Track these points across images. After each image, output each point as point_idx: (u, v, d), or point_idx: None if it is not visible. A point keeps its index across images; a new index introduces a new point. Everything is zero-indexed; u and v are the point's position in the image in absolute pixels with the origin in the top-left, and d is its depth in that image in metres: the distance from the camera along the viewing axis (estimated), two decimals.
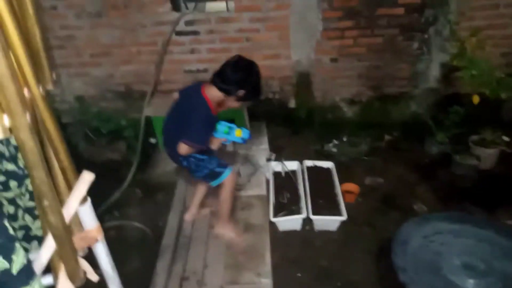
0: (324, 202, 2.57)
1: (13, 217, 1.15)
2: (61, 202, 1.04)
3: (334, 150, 3.22)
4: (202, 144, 2.06)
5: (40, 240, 1.22)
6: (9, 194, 1.11)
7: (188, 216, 2.53)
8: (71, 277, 1.03)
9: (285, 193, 2.67)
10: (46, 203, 0.88)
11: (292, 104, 3.46)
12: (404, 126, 3.37)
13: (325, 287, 2.17)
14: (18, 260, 0.82)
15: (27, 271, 0.84)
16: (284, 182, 2.79)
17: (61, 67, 3.19)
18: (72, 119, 3.33)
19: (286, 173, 2.84)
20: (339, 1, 3.00)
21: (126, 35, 3.09)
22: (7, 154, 1.09)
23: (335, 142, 3.28)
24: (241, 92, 1.98)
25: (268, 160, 3.00)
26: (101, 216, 2.59)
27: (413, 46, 3.21)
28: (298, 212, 2.49)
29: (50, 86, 1.01)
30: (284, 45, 3.18)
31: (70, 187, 1.07)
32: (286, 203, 2.59)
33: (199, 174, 2.20)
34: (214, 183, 2.21)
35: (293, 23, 3.08)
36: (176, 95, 2.18)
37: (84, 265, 1.09)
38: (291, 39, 3.15)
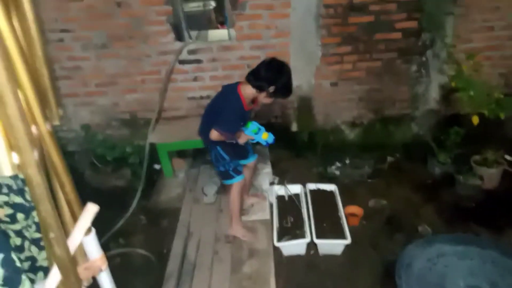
0: (328, 226, 2.57)
1: (19, 249, 1.18)
2: (66, 233, 1.07)
3: (337, 172, 3.24)
4: (231, 132, 2.30)
5: (46, 270, 1.24)
6: (17, 226, 1.14)
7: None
8: None
9: (288, 217, 2.68)
10: (52, 235, 0.91)
11: (294, 127, 3.51)
12: (406, 147, 3.39)
13: None
14: None
15: None
16: (288, 206, 2.80)
17: (67, 97, 3.28)
18: (78, 147, 3.39)
19: (290, 196, 2.86)
20: (337, 27, 3.09)
21: (131, 64, 3.19)
22: (14, 187, 1.13)
23: (338, 164, 3.30)
24: (272, 88, 2.20)
25: (272, 183, 3.02)
26: (106, 243, 2.61)
27: (411, 69, 3.27)
28: (302, 236, 2.48)
29: (57, 122, 1.05)
30: None
31: (75, 218, 1.10)
32: (290, 227, 2.60)
33: (216, 169, 2.52)
34: (224, 182, 2.54)
35: (293, 50, 3.17)
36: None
37: None
38: (292, 65, 3.17)
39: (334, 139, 3.51)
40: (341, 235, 2.47)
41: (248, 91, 2.25)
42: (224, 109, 2.27)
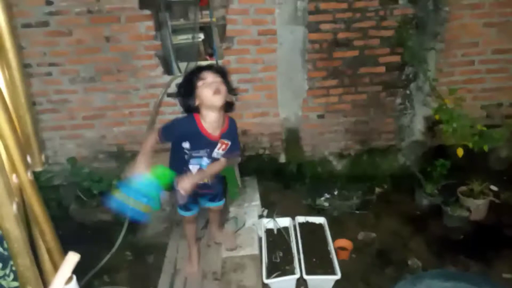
0: (318, 260, 2.54)
1: None
2: (47, 281, 1.04)
3: (326, 204, 3.23)
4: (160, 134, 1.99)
5: None
6: None
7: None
8: None
9: (277, 251, 2.64)
10: None
11: (282, 159, 3.52)
12: (393, 178, 3.41)
13: None
14: None
15: None
16: (277, 239, 2.76)
17: (54, 130, 3.25)
18: (64, 181, 3.33)
19: (278, 230, 2.83)
20: (323, 62, 3.16)
21: (119, 97, 3.20)
22: None
23: (327, 196, 3.29)
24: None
25: (260, 216, 2.99)
26: (91, 281, 2.52)
27: (396, 102, 3.34)
28: (291, 272, 2.44)
29: (39, 168, 1.04)
30: (272, 104, 3.29)
31: (55, 267, 1.07)
32: (279, 262, 2.55)
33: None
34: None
35: (280, 83, 3.22)
36: None
37: None
38: (279, 98, 3.27)
39: (322, 170, 3.52)
40: (331, 270, 2.44)
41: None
42: None
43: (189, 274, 2.47)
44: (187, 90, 1.92)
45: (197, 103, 1.93)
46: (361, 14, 3.06)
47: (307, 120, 3.37)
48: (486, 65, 3.28)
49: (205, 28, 3.24)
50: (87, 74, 3.08)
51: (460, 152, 2.79)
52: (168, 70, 3.20)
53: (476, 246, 2.69)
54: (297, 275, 2.40)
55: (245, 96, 3.25)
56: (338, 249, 2.66)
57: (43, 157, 1.03)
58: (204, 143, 2.00)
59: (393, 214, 3.08)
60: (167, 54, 3.22)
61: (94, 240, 2.84)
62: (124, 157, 3.37)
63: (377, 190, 3.36)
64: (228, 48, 3.12)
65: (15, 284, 1.16)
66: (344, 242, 2.75)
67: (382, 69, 3.22)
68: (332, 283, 2.43)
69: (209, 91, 1.87)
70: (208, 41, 4.98)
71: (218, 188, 2.41)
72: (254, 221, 2.94)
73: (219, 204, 2.48)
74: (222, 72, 1.95)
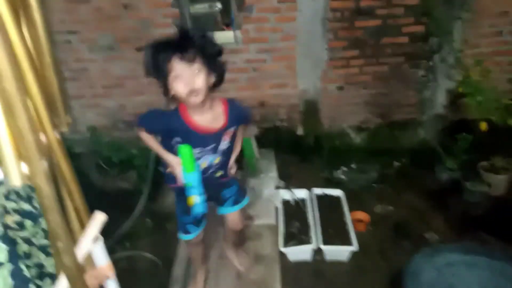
0: (334, 231, 2.56)
1: (27, 255, 1.17)
2: (74, 240, 1.06)
3: (343, 177, 3.22)
4: (140, 124, 1.66)
5: (53, 277, 1.23)
6: (25, 233, 1.14)
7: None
8: None
9: (294, 222, 2.66)
10: (60, 244, 0.91)
11: (300, 131, 3.49)
12: (413, 153, 3.36)
13: None
14: None
15: None
16: (294, 210, 2.79)
17: (74, 99, 3.28)
18: (85, 149, 3.39)
19: (295, 201, 2.84)
20: (344, 31, 3.07)
21: (138, 67, 3.16)
22: (23, 193, 1.12)
23: (344, 169, 3.28)
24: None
25: (277, 187, 3.00)
26: (112, 246, 2.60)
27: (418, 74, 3.25)
28: (308, 241, 2.47)
29: (65, 129, 1.05)
30: (290, 75, 3.24)
31: (83, 226, 1.10)
32: (296, 232, 2.58)
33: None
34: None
35: (299, 53, 3.15)
36: None
37: None
38: (298, 68, 3.21)
39: (340, 143, 3.49)
40: (347, 241, 2.45)
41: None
42: None
43: None
44: (155, 75, 1.43)
45: (171, 93, 1.45)
46: None
47: (326, 92, 3.32)
48: None
49: None
50: (105, 42, 3.07)
51: (483, 126, 2.72)
52: None
53: (496, 221, 2.66)
54: (314, 245, 2.42)
55: (263, 66, 3.21)
56: (355, 221, 2.67)
57: (68, 118, 1.03)
58: (199, 140, 1.55)
59: (411, 188, 3.05)
60: (184, 23, 3.18)
61: (114, 207, 2.86)
62: None
63: (396, 164, 3.32)
64: (246, 17, 3.05)
65: (45, 242, 1.19)
66: (361, 215, 2.75)
67: (405, 39, 3.11)
68: (348, 254, 2.45)
69: (182, 88, 1.38)
70: (225, 10, 4.90)
71: (233, 182, 1.90)
72: (271, 192, 2.96)
73: (246, 201, 1.98)
74: (201, 53, 1.37)
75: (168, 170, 1.68)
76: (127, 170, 3.28)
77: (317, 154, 3.43)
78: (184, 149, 1.53)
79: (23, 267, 0.82)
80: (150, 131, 1.62)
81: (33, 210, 1.14)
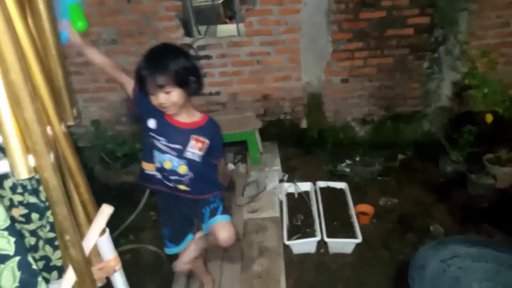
0: (339, 224, 2.56)
1: (34, 248, 1.17)
2: (81, 233, 1.06)
3: (347, 170, 3.21)
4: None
5: (60, 270, 1.24)
6: (31, 226, 1.14)
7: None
8: None
9: (298, 215, 2.66)
10: (67, 237, 0.91)
11: (303, 124, 3.49)
12: (417, 145, 3.35)
13: None
14: None
15: None
16: (298, 203, 2.79)
17: (78, 93, 3.28)
18: (88, 143, 3.40)
19: (299, 194, 2.84)
20: (348, 23, 3.05)
21: None
22: (29, 187, 1.13)
23: (348, 162, 3.27)
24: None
25: (281, 181, 3.00)
26: (117, 239, 2.62)
27: (423, 66, 3.23)
28: (312, 234, 2.47)
29: (71, 122, 1.05)
30: (294, 67, 3.23)
31: (89, 219, 1.10)
32: (300, 225, 2.58)
33: None
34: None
35: (303, 45, 3.13)
36: None
37: None
38: (302, 61, 3.20)
39: (344, 136, 3.48)
40: (351, 234, 2.45)
41: None
42: None
43: None
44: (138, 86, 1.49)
45: None
46: None
47: (330, 85, 3.30)
48: None
49: None
50: (109, 36, 3.06)
51: (489, 118, 2.70)
52: (188, 32, 3.15)
53: (501, 214, 2.65)
54: (318, 238, 2.42)
55: (267, 59, 3.19)
56: (359, 214, 2.67)
57: (75, 111, 1.03)
58: (170, 130, 1.55)
59: (415, 181, 3.05)
60: (187, 16, 3.17)
61: (119, 201, 2.90)
62: None
63: (400, 156, 3.31)
64: (249, 9, 3.02)
65: (52, 235, 1.20)
66: (365, 207, 2.75)
67: (410, 31, 3.09)
68: (352, 246, 2.45)
69: (155, 102, 1.47)
70: (228, 3, 4.89)
71: (214, 199, 1.75)
72: (274, 185, 2.95)
73: (223, 218, 1.72)
74: (173, 79, 1.43)
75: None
76: (131, 163, 3.28)
77: (321, 147, 3.42)
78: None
79: (31, 260, 0.83)
80: (138, 97, 1.57)
81: (40, 203, 1.14)
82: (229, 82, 3.27)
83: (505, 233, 2.48)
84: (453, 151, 3.05)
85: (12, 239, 0.78)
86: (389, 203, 2.86)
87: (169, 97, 1.45)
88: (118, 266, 1.19)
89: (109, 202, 1.14)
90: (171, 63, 1.42)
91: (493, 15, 3.07)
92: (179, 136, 1.56)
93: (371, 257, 2.43)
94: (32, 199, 1.13)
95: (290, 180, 2.96)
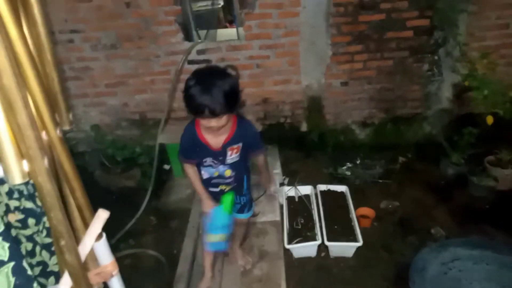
0: (339, 228, 2.54)
1: (31, 254, 1.17)
2: (77, 239, 1.06)
3: (348, 173, 3.20)
4: (181, 160, 1.90)
5: (57, 275, 1.23)
6: (28, 232, 1.14)
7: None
8: None
9: (299, 218, 2.65)
10: (63, 242, 0.90)
11: (304, 127, 3.48)
12: (418, 148, 3.34)
13: None
14: None
15: None
16: (298, 207, 2.78)
17: (77, 98, 3.28)
18: (88, 148, 3.40)
19: (300, 197, 2.83)
20: (348, 26, 3.05)
21: (140, 65, 3.18)
22: (25, 192, 1.12)
23: (349, 165, 3.26)
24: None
25: (282, 184, 2.99)
26: (117, 244, 2.61)
27: (423, 68, 3.22)
28: (313, 238, 2.46)
29: (67, 127, 1.04)
30: (294, 71, 3.22)
31: (86, 224, 1.10)
32: (301, 229, 2.57)
33: None
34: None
35: (302, 49, 3.13)
36: None
37: None
38: (301, 64, 3.20)
39: (344, 139, 3.47)
40: (352, 237, 2.44)
41: None
42: None
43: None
44: (187, 108, 1.60)
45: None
46: None
47: (330, 88, 3.30)
48: None
49: None
50: (108, 41, 3.07)
51: (490, 119, 2.69)
52: (188, 37, 3.15)
53: (503, 216, 2.63)
54: (319, 241, 2.41)
55: (266, 62, 3.19)
56: (360, 217, 2.66)
57: (70, 116, 1.03)
58: (207, 152, 1.79)
59: (416, 183, 3.03)
60: (187, 21, 3.17)
61: (119, 205, 2.91)
62: (146, 125, 3.40)
63: (401, 159, 3.30)
64: (249, 13, 3.03)
65: (48, 240, 1.19)
66: (366, 211, 2.73)
67: (409, 33, 3.08)
68: (353, 250, 2.44)
69: (206, 125, 1.62)
70: (228, 7, 4.90)
71: (243, 187, 2.04)
72: (275, 189, 2.94)
73: (246, 216, 2.16)
74: (226, 106, 1.54)
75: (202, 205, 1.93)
76: (131, 168, 3.28)
77: (322, 150, 3.41)
78: (227, 196, 1.86)
79: (26, 266, 0.82)
80: (189, 157, 1.84)
81: (36, 209, 1.14)
82: None
83: (506, 235, 2.46)
84: (454, 153, 3.03)
85: (6, 245, 0.78)
86: (390, 206, 2.84)
87: (219, 121, 1.59)
88: (115, 271, 1.18)
89: (110, 206, 1.14)
90: (223, 93, 1.52)
91: (493, 16, 3.06)
92: (218, 154, 1.79)
93: (372, 260, 2.42)
94: (29, 205, 1.13)
95: (290, 183, 2.95)
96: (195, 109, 1.54)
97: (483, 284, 1.80)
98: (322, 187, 2.89)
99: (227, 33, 3.73)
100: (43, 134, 0.91)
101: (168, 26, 3.05)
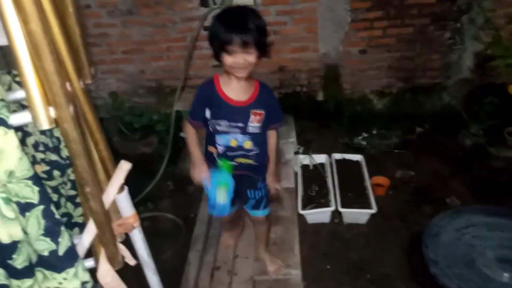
0: (354, 195, 2.56)
1: (56, 205, 1.22)
2: (100, 190, 1.10)
3: (364, 143, 3.19)
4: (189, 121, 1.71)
5: (81, 227, 1.29)
6: (53, 183, 1.18)
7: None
8: (111, 260, 1.08)
9: (313, 186, 2.68)
10: (87, 189, 0.94)
11: (320, 97, 3.45)
12: (436, 118, 3.28)
13: (354, 279, 2.17)
14: (64, 243, 0.88)
15: (72, 254, 0.91)
16: (313, 175, 2.80)
17: (95, 64, 3.31)
18: (106, 114, 3.45)
19: (314, 166, 2.84)
20: None
21: (157, 31, 3.17)
22: (50, 145, 1.16)
23: (365, 135, 3.24)
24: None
25: (296, 153, 3.01)
26: (136, 207, 2.68)
27: (445, 36, 3.12)
28: (326, 205, 2.49)
29: (89, 80, 1.06)
30: (311, 38, 3.16)
31: (108, 176, 1.13)
32: (315, 196, 2.60)
33: None
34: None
35: (320, 15, 3.06)
36: None
37: (123, 250, 1.15)
38: (319, 31, 3.13)
39: (361, 109, 3.44)
40: (366, 205, 2.46)
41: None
42: None
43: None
44: (210, 43, 1.51)
45: (220, 60, 1.52)
46: None
47: (348, 56, 3.24)
48: None
49: None
50: (125, 6, 3.05)
51: (511, 89, 2.62)
52: (204, 2, 3.11)
53: None
54: (332, 208, 2.44)
55: (283, 29, 3.14)
56: (374, 186, 2.66)
57: (92, 70, 1.05)
58: (226, 111, 1.59)
59: (433, 154, 3.00)
60: None
61: (137, 171, 2.96)
62: (163, 92, 3.42)
63: (418, 129, 3.26)
64: None
65: (73, 192, 1.24)
66: (381, 179, 2.74)
67: None
68: (367, 217, 2.46)
69: (232, 63, 1.48)
70: None
71: (261, 176, 1.84)
72: (290, 157, 2.96)
73: (263, 213, 1.96)
74: (257, 42, 1.45)
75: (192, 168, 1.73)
76: (149, 135, 3.34)
77: (338, 120, 3.39)
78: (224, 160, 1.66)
79: (54, 210, 0.86)
80: (197, 115, 1.65)
81: (61, 161, 1.18)
82: None
83: None
84: (473, 124, 2.98)
85: (36, 188, 0.81)
86: (405, 175, 2.84)
87: (248, 58, 1.46)
88: (137, 223, 1.23)
89: (128, 172, 1.17)
90: (255, 22, 1.44)
91: None
92: (239, 114, 1.61)
93: (385, 227, 2.45)
94: (54, 157, 1.17)
95: (305, 152, 2.95)
96: (224, 39, 1.41)
97: (496, 250, 1.80)
98: (337, 156, 2.89)
99: None
100: (67, 85, 0.93)
101: None
